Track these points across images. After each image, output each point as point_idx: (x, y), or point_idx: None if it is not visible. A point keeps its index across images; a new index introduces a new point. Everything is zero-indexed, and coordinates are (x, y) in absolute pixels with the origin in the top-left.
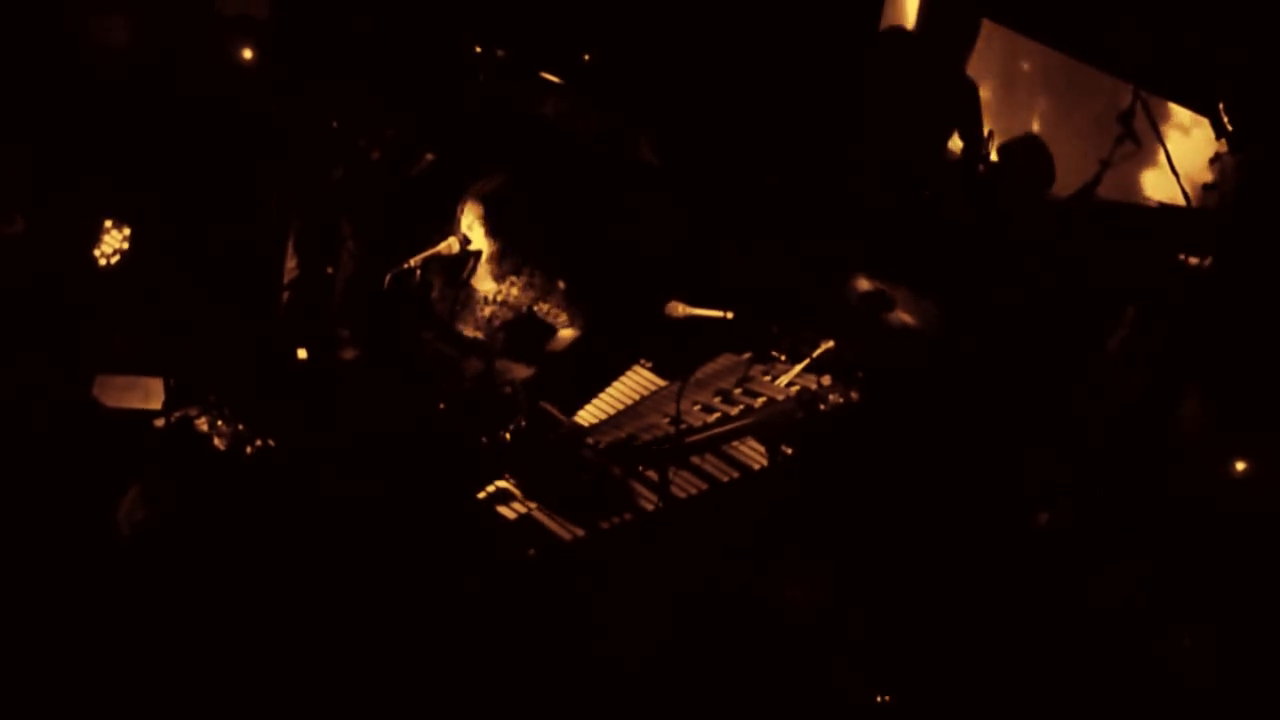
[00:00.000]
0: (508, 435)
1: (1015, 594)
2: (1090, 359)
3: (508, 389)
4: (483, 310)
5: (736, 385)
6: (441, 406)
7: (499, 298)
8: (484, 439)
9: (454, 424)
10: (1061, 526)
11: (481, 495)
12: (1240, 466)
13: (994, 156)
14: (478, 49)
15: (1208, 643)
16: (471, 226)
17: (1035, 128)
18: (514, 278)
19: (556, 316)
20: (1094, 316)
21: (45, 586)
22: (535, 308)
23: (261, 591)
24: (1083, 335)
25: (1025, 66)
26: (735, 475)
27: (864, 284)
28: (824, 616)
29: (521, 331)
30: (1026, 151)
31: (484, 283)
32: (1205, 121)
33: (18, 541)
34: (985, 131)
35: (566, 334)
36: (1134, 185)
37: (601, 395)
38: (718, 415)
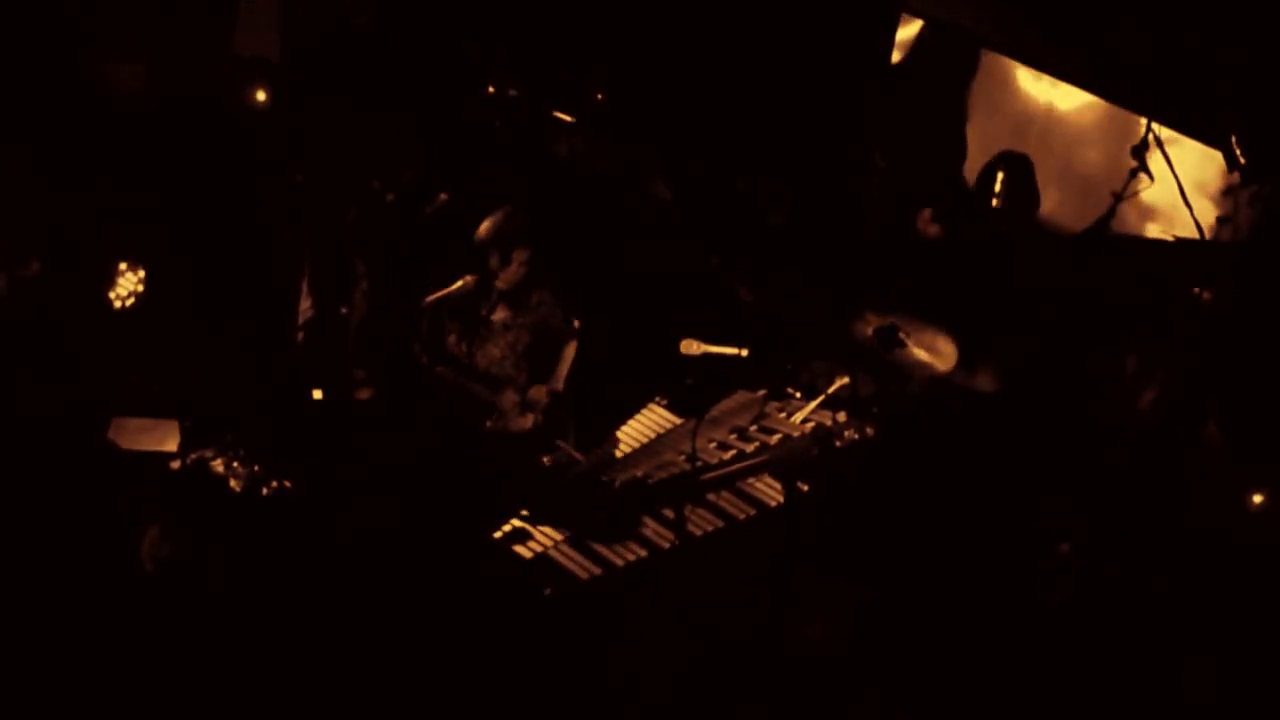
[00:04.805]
0: (548, 460)
1: (1033, 626)
2: (1105, 392)
3: (541, 416)
4: (498, 347)
5: (752, 422)
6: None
7: (513, 336)
8: (544, 460)
9: (484, 459)
10: (1078, 559)
11: (498, 534)
12: (1258, 499)
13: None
14: (491, 89)
15: (1212, 673)
16: (485, 265)
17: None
18: (528, 316)
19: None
20: (1107, 349)
21: (72, 622)
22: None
23: (283, 629)
24: (1097, 368)
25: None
26: (751, 512)
27: (877, 320)
28: (841, 652)
29: (538, 359)
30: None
31: (499, 320)
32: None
33: (40, 580)
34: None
35: (567, 351)
36: (1147, 218)
37: (617, 434)
38: (733, 452)
